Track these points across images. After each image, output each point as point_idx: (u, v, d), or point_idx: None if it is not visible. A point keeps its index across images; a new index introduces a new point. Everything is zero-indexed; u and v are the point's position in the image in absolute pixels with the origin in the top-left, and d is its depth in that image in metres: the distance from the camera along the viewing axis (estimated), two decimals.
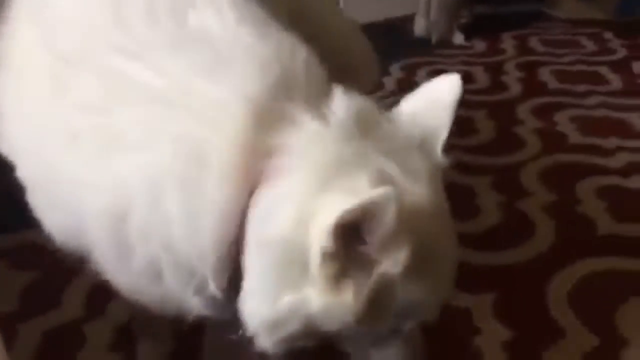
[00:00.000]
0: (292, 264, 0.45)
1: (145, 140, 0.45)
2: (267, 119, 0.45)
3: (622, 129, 1.34)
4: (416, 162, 0.45)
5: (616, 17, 2.03)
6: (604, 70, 1.70)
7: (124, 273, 0.51)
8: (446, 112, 0.50)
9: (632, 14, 2.03)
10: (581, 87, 1.56)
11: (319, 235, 0.43)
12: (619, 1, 2.04)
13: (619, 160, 1.19)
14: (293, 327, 0.46)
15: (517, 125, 1.31)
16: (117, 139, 0.46)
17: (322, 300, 0.45)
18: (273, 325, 0.47)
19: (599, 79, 1.64)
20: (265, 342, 0.48)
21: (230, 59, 0.46)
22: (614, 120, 1.41)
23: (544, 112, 1.41)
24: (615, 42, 1.89)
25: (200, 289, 0.49)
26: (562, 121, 1.37)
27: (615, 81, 1.61)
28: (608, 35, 1.95)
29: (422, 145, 0.48)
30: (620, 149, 1.24)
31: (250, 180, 0.45)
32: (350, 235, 0.42)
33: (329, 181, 0.44)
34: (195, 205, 0.45)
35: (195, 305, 0.51)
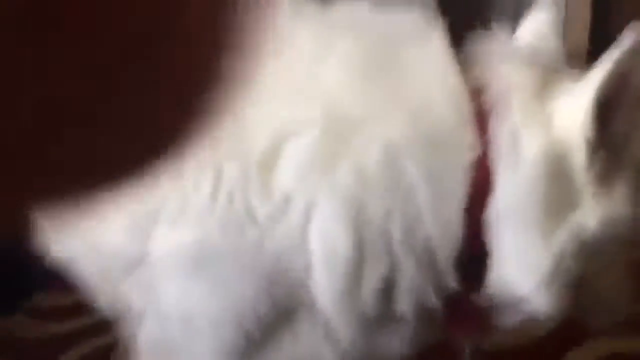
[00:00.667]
0: (555, 187, 0.45)
1: (376, 115, 0.46)
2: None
3: None
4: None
5: None
6: None
7: (346, 317, 0.47)
8: (552, 32, 0.54)
9: None
10: None
11: (579, 127, 0.44)
12: None
13: None
14: (573, 264, 0.45)
15: None
16: (345, 120, 0.46)
17: (598, 210, 0.44)
18: (554, 270, 0.45)
19: None
20: (545, 299, 0.46)
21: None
22: None
23: None
24: None
25: (437, 285, 0.47)
26: None
27: None
28: None
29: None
30: None
31: (481, 122, 0.47)
32: (605, 117, 0.44)
33: (547, 94, 0.47)
34: (438, 164, 0.45)
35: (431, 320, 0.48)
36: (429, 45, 0.50)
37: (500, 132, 0.46)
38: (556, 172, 0.45)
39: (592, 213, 0.45)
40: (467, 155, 0.46)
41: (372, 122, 0.46)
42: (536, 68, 0.50)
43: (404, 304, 0.47)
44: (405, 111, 0.46)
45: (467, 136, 0.46)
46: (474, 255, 0.47)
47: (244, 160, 0.46)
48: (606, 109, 0.44)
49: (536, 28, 0.54)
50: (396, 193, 0.45)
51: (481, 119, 0.47)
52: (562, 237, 0.45)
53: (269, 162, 0.45)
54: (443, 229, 0.45)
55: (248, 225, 0.46)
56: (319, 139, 0.45)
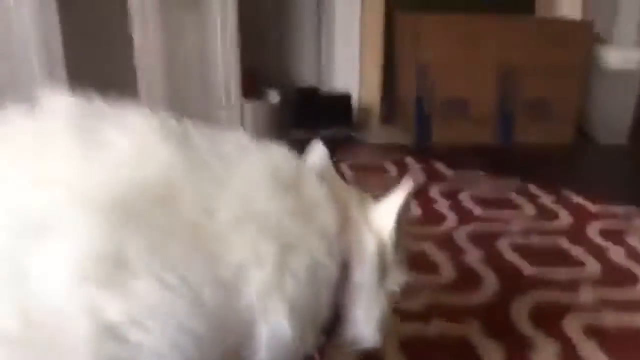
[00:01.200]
0: (378, 269, 0.66)
1: (298, 239, 0.62)
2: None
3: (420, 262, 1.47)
4: None
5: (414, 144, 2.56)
6: None
7: None
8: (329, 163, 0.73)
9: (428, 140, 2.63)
10: None
11: (389, 233, 0.66)
12: (416, 130, 2.63)
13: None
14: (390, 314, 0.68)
15: None
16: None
17: (399, 278, 0.70)
18: (382, 322, 0.68)
19: None
20: (378, 339, 0.69)
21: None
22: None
23: None
24: (415, 167, 2.29)
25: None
26: None
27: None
28: (409, 160, 2.34)
29: None
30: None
31: (343, 230, 0.66)
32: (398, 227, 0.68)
33: (361, 205, 0.70)
34: (323, 261, 0.62)
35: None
36: (305, 166, 0.69)
37: (352, 237, 0.66)
38: (381, 260, 0.66)
39: (396, 280, 0.69)
40: (337, 254, 0.64)
41: (298, 243, 0.60)
42: (348, 187, 0.72)
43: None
44: (312, 233, 0.62)
45: (336, 243, 0.63)
46: (337, 319, 0.67)
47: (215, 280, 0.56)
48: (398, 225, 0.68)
49: (318, 158, 0.75)
50: (312, 288, 0.61)
51: (342, 228, 0.65)
52: (384, 299, 0.68)
53: (237, 284, 0.57)
54: (323, 307, 0.64)
55: (229, 332, 0.58)
56: (273, 269, 0.58)
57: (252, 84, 2.45)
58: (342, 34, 2.71)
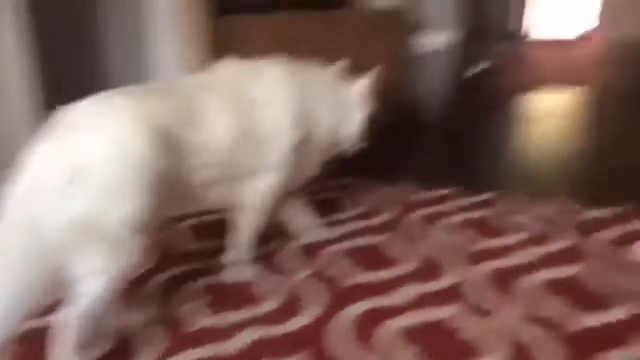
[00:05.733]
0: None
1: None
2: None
3: None
4: None
5: None
6: None
7: None
8: None
9: None
10: None
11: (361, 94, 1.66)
12: None
13: None
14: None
15: None
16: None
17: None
18: (361, 129, 1.66)
19: None
20: (360, 138, 1.65)
21: None
22: None
23: None
24: None
25: None
26: None
27: None
28: None
29: None
30: None
31: None
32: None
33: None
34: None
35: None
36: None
37: (346, 98, 1.64)
38: (361, 102, 1.65)
39: (365, 112, 1.65)
40: (340, 104, 1.63)
41: (338, 100, 1.62)
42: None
43: None
44: (333, 99, 1.61)
45: (339, 101, 1.63)
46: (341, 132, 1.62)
47: None
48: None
49: None
50: (337, 113, 1.62)
51: (340, 95, 1.63)
52: (359, 119, 1.65)
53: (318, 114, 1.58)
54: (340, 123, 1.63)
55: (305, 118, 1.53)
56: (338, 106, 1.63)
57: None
58: (163, 38, 2.57)
